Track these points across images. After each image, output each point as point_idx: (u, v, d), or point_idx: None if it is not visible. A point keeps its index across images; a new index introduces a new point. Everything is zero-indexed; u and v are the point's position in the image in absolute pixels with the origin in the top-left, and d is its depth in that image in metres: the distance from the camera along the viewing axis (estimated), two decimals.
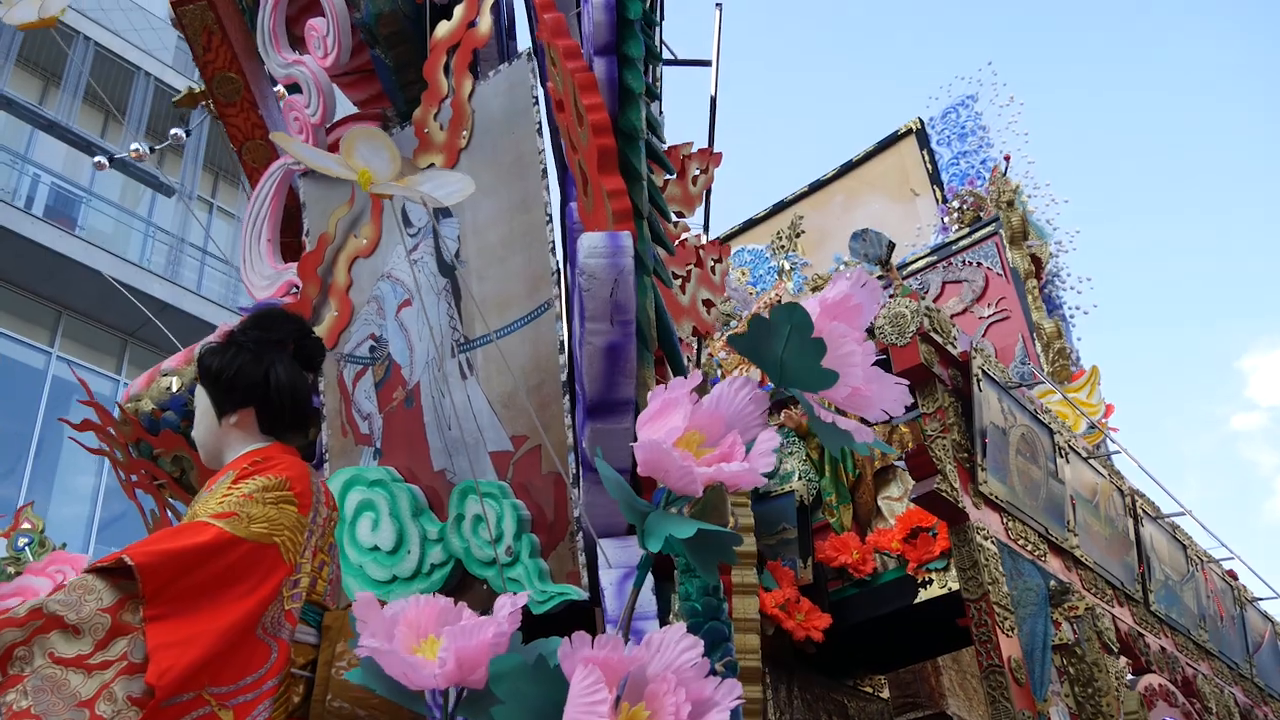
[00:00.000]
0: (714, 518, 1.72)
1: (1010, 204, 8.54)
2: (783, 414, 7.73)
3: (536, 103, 2.74)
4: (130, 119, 18.19)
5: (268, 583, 2.02)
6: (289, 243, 3.39)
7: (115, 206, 18.20)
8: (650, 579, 2.21)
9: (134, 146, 6.34)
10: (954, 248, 8.76)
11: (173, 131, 6.44)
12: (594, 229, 2.24)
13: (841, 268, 10.45)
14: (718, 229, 13.24)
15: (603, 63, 2.36)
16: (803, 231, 11.12)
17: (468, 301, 2.82)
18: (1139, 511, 6.81)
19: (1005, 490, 5.50)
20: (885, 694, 7.77)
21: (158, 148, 7.65)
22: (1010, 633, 4.97)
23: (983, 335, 8.47)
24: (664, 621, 2.22)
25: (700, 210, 7.61)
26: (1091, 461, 6.43)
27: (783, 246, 11.65)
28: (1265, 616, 8.68)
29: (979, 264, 8.57)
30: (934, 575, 6.82)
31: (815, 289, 8.81)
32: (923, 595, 6.91)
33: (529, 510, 2.58)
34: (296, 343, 2.51)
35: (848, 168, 12.24)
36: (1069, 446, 6.15)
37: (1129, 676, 6.23)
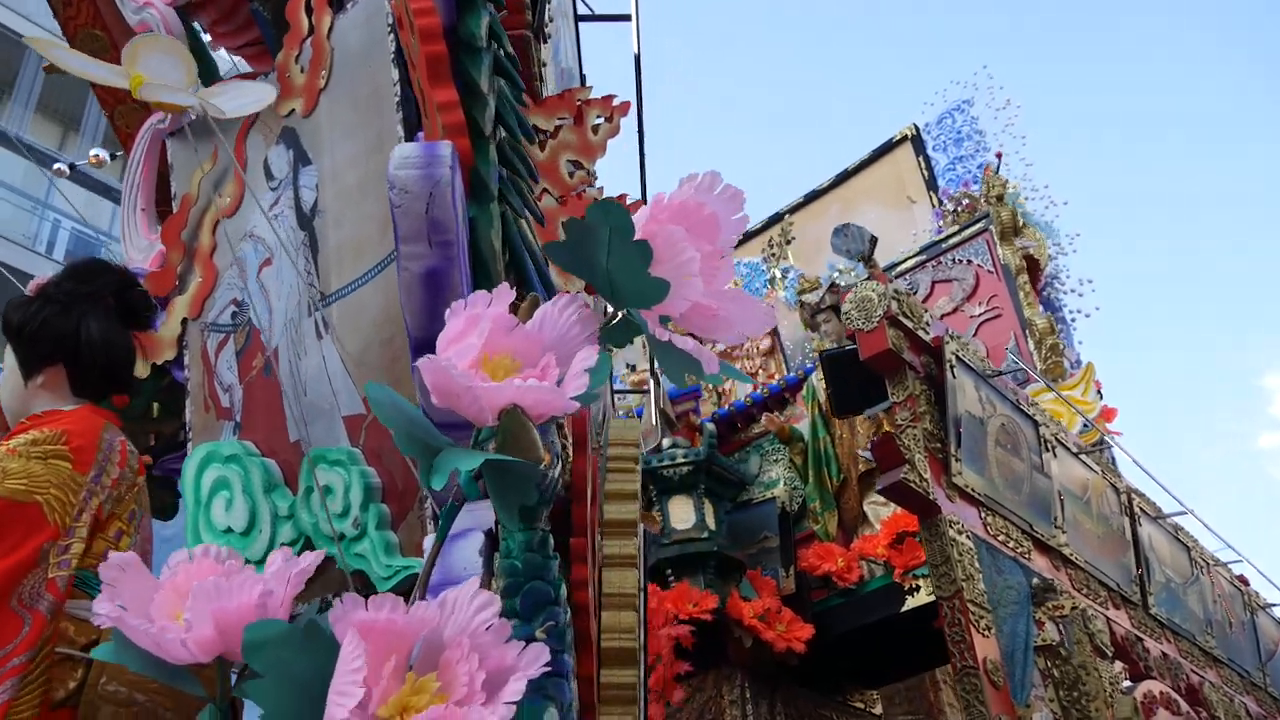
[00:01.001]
0: (513, 449, 1.40)
1: (1000, 198, 8.20)
2: (764, 418, 7.40)
3: (392, 29, 2.46)
4: None
5: (24, 546, 1.73)
6: (167, 211, 3.11)
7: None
8: (480, 539, 1.90)
9: (93, 153, 6.10)
10: (943, 246, 8.43)
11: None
12: None
13: (836, 275, 10.13)
14: None
15: None
16: (793, 238, 10.81)
17: (325, 254, 2.54)
18: (1136, 510, 6.43)
19: (983, 483, 5.14)
20: (878, 709, 7.38)
21: (119, 154, 7.44)
22: (987, 632, 4.60)
23: (974, 334, 8.13)
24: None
25: (633, 178, 7.41)
26: (1083, 457, 6.07)
27: (774, 255, 11.36)
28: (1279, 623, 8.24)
29: (969, 261, 8.24)
30: (921, 582, 6.45)
31: (802, 292, 8.48)
32: (910, 603, 6.55)
33: (379, 478, 2.29)
34: (116, 296, 2.23)
35: (843, 177, 11.96)
36: (1056, 440, 5.79)
37: (1126, 683, 5.84)
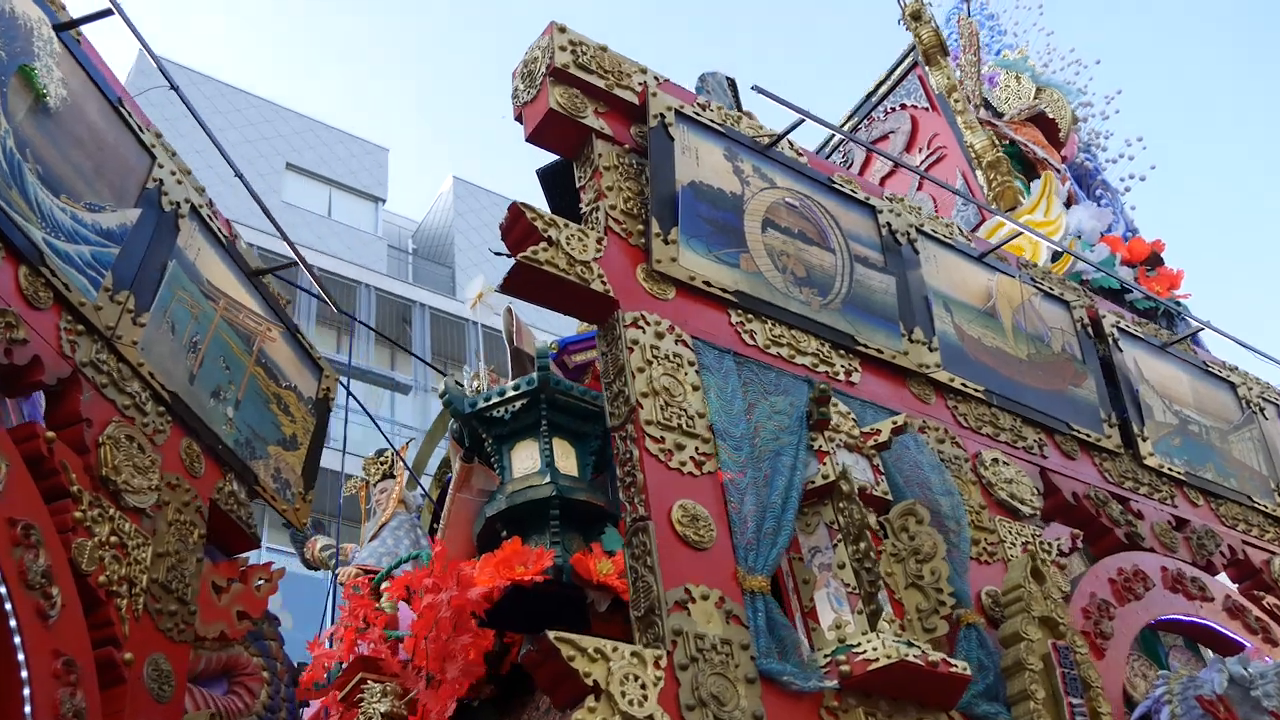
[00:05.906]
0: None
1: (916, 16, 6.30)
2: None
3: None
4: None
5: None
6: None
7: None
8: None
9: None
10: (872, 100, 6.65)
11: None
12: None
13: None
14: None
15: None
16: None
17: None
18: (1108, 331, 4.37)
19: (733, 276, 3.31)
20: None
21: None
22: (679, 468, 2.76)
23: (918, 188, 6.24)
24: None
25: None
26: (989, 260, 4.12)
27: None
28: None
29: (901, 106, 6.41)
30: None
31: None
32: None
33: None
34: None
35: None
36: (918, 232, 3.88)
37: (1105, 560, 3.78)
